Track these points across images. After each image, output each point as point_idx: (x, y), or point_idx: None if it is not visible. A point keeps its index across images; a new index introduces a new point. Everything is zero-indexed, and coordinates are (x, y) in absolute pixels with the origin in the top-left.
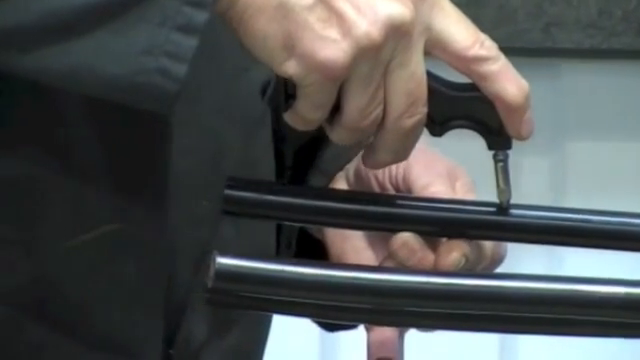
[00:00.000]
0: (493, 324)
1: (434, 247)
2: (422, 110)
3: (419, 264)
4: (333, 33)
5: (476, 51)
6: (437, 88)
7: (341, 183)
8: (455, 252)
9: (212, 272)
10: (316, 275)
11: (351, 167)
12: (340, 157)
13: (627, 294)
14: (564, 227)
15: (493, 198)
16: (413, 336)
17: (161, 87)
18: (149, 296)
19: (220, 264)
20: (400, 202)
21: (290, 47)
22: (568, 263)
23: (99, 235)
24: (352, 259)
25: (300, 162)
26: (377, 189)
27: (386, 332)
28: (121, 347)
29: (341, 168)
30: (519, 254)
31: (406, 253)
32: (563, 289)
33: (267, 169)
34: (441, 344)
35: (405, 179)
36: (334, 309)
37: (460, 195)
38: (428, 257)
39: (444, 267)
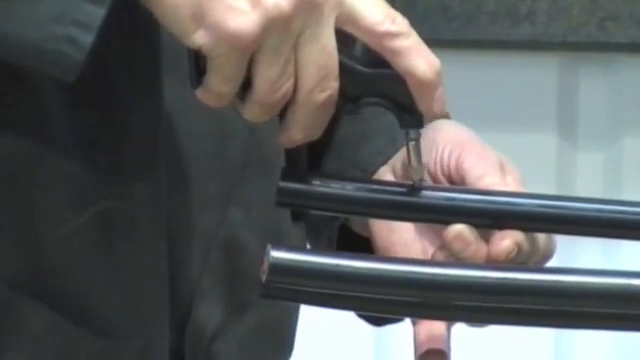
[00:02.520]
0: (544, 319)
1: (487, 239)
2: (333, 85)
3: (473, 256)
4: (243, 4)
5: (387, 27)
6: (349, 64)
7: (388, 177)
8: (508, 240)
9: (266, 266)
10: (370, 269)
11: (398, 161)
12: (380, 154)
13: None
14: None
15: None
16: (464, 330)
17: (68, 55)
18: (152, 281)
19: (274, 258)
20: (451, 194)
21: (200, 18)
22: (623, 257)
23: (95, 214)
24: (400, 252)
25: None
26: (429, 181)
27: (434, 325)
28: (125, 333)
29: (382, 164)
30: (574, 248)
31: (460, 245)
32: (618, 283)
33: (274, 151)
34: (495, 338)
35: (458, 169)
36: (388, 303)
37: (512, 188)
38: (482, 249)
39: (497, 256)
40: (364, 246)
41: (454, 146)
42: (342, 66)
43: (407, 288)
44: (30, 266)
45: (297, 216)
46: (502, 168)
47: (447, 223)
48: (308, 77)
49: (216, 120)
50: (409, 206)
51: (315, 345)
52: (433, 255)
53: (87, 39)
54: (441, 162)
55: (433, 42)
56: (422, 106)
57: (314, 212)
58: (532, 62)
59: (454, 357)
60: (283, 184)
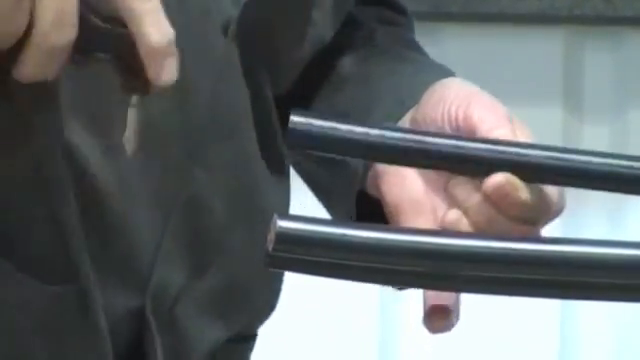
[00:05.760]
0: (549, 290)
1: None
2: (71, 31)
3: (511, 206)
4: None
5: None
6: (86, 15)
7: None
8: (499, 175)
9: (273, 235)
10: (377, 239)
11: (407, 117)
12: (388, 117)
13: None
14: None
15: None
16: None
17: None
18: (103, 242)
19: (281, 227)
20: (464, 143)
21: None
22: (629, 228)
23: (33, 157)
24: (409, 210)
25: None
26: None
27: None
28: (61, 277)
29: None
30: (579, 218)
31: (501, 195)
32: (625, 254)
33: (239, 109)
34: (499, 329)
35: (467, 121)
36: (395, 273)
37: (522, 139)
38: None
39: (486, 189)
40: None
41: (462, 99)
42: (80, 15)
43: (414, 258)
44: None
45: (280, 169)
46: (512, 121)
47: (454, 171)
48: (45, 19)
49: (178, 81)
50: (417, 151)
51: (318, 331)
52: (446, 216)
53: None
54: (449, 116)
55: (439, 15)
56: (151, 72)
57: (322, 154)
58: (538, 35)
59: (458, 339)
60: (293, 125)
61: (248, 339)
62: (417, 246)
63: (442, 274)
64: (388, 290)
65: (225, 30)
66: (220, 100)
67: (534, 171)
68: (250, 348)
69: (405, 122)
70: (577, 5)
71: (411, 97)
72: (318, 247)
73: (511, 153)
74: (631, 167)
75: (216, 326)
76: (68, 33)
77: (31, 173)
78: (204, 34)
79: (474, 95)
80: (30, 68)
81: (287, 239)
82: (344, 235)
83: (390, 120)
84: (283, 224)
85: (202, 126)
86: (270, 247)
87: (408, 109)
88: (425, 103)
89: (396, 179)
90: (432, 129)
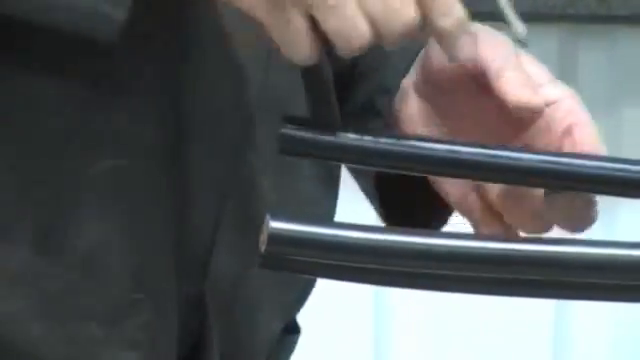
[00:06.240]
0: (545, 290)
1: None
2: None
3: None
4: None
5: None
6: None
7: (411, 94)
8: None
9: (265, 236)
10: (369, 240)
11: (416, 69)
12: (398, 72)
13: None
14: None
15: None
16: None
17: (109, 16)
18: (164, 233)
19: (273, 228)
20: (458, 148)
21: None
22: (622, 229)
23: (107, 168)
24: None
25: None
26: (450, 77)
27: None
28: (139, 286)
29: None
30: None
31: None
32: (618, 254)
33: (288, 93)
34: (493, 331)
35: (476, 58)
36: (387, 274)
37: (534, 74)
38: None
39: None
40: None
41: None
42: None
43: (407, 259)
44: (41, 226)
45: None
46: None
47: (448, 176)
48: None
49: (231, 64)
50: (411, 157)
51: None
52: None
53: (119, 15)
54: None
55: None
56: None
57: (315, 159)
58: (532, 34)
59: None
60: (285, 130)
61: (297, 330)
62: (410, 247)
63: (434, 274)
64: (382, 290)
65: None
66: (270, 84)
67: (526, 175)
68: (296, 341)
69: (416, 74)
70: (571, 4)
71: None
72: (311, 248)
73: (505, 157)
74: (627, 170)
75: (272, 314)
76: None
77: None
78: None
79: (479, 31)
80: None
81: (280, 240)
82: (337, 236)
83: (399, 75)
84: (275, 225)
85: (252, 109)
86: (262, 248)
87: (412, 61)
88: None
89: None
90: (440, 69)
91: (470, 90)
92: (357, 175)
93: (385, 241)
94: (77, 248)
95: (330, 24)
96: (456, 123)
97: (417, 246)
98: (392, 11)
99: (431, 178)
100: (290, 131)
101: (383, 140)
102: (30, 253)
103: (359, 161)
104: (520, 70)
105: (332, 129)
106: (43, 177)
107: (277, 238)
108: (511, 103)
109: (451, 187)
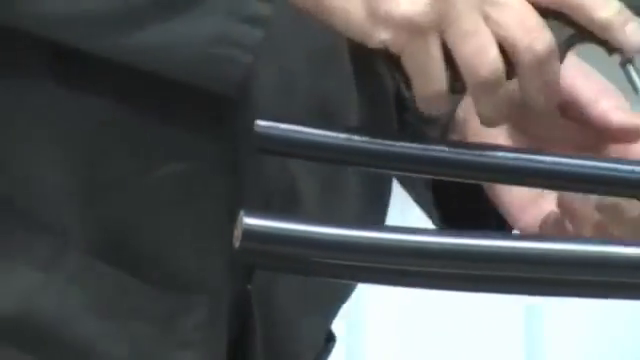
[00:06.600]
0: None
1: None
2: (545, 32)
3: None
4: None
5: None
6: None
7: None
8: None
9: (239, 232)
10: (342, 236)
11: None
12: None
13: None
14: None
15: None
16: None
17: (228, 73)
18: (219, 233)
19: (247, 224)
20: (433, 147)
21: (373, 13)
22: None
23: (167, 173)
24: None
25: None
26: None
27: None
28: (191, 289)
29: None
30: None
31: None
32: (586, 251)
33: (340, 104)
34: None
35: (568, 91)
36: (359, 269)
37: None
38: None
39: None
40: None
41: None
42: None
43: (379, 255)
44: (102, 229)
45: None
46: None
47: (420, 174)
48: (515, 33)
49: (280, 71)
50: (384, 155)
51: None
52: (547, 217)
53: (247, 58)
54: None
55: None
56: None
57: (288, 158)
58: None
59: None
60: (258, 128)
61: (334, 338)
62: (383, 243)
63: (408, 270)
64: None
65: None
66: (319, 92)
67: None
68: (332, 350)
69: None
70: None
71: None
72: (284, 244)
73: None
74: (632, 171)
75: (316, 320)
76: (544, 34)
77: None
78: (305, 25)
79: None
80: (535, 93)
81: (254, 236)
82: (309, 232)
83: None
84: (249, 221)
85: (300, 114)
86: (237, 244)
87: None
88: None
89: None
90: None
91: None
92: (404, 180)
93: (357, 237)
94: (137, 249)
95: (463, 50)
96: (530, 138)
97: (388, 242)
98: (527, 35)
99: (486, 185)
100: (264, 129)
101: (357, 137)
102: (88, 254)
103: (332, 159)
104: (615, 97)
105: (306, 126)
106: (106, 181)
107: (251, 234)
108: (615, 125)
109: (511, 195)
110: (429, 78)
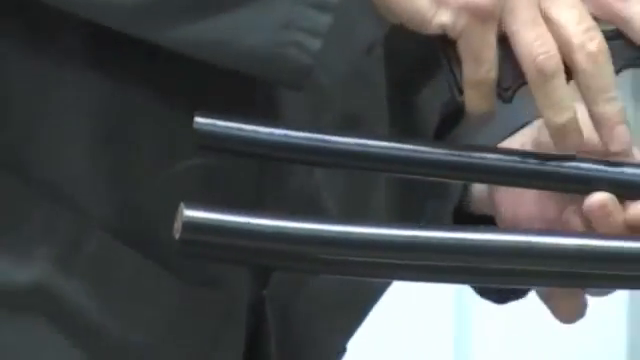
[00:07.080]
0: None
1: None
2: (599, 35)
3: (611, 226)
4: None
5: None
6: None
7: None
8: None
9: (180, 224)
10: (281, 227)
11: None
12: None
13: (579, 245)
14: None
15: None
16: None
17: (297, 60)
18: None
19: (187, 216)
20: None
21: None
22: None
23: (191, 167)
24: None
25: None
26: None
27: None
28: (210, 283)
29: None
30: None
31: (602, 214)
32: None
33: (371, 125)
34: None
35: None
36: (298, 259)
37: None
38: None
39: (636, 223)
40: None
41: None
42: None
43: (315, 245)
44: (125, 212)
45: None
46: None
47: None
48: (571, 30)
49: (311, 90)
50: (321, 151)
51: None
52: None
53: (315, 44)
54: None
55: None
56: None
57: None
58: None
59: None
60: (197, 125)
61: (344, 349)
62: (318, 233)
63: (351, 261)
64: None
65: (369, 49)
66: (350, 113)
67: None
68: None
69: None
70: None
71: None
72: (223, 235)
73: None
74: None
75: (332, 330)
76: (597, 35)
77: None
78: (339, 47)
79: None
80: (596, 95)
81: (193, 227)
82: (248, 223)
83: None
84: (189, 213)
85: (327, 123)
86: (177, 236)
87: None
88: None
89: (512, 197)
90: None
91: None
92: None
93: (293, 228)
94: (157, 235)
95: (524, 37)
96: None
97: (327, 233)
98: (582, 33)
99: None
100: (203, 125)
101: (294, 134)
102: (110, 235)
103: (270, 156)
104: None
105: (244, 124)
106: (133, 167)
107: (191, 226)
108: None
109: (506, 196)
110: (481, 63)
